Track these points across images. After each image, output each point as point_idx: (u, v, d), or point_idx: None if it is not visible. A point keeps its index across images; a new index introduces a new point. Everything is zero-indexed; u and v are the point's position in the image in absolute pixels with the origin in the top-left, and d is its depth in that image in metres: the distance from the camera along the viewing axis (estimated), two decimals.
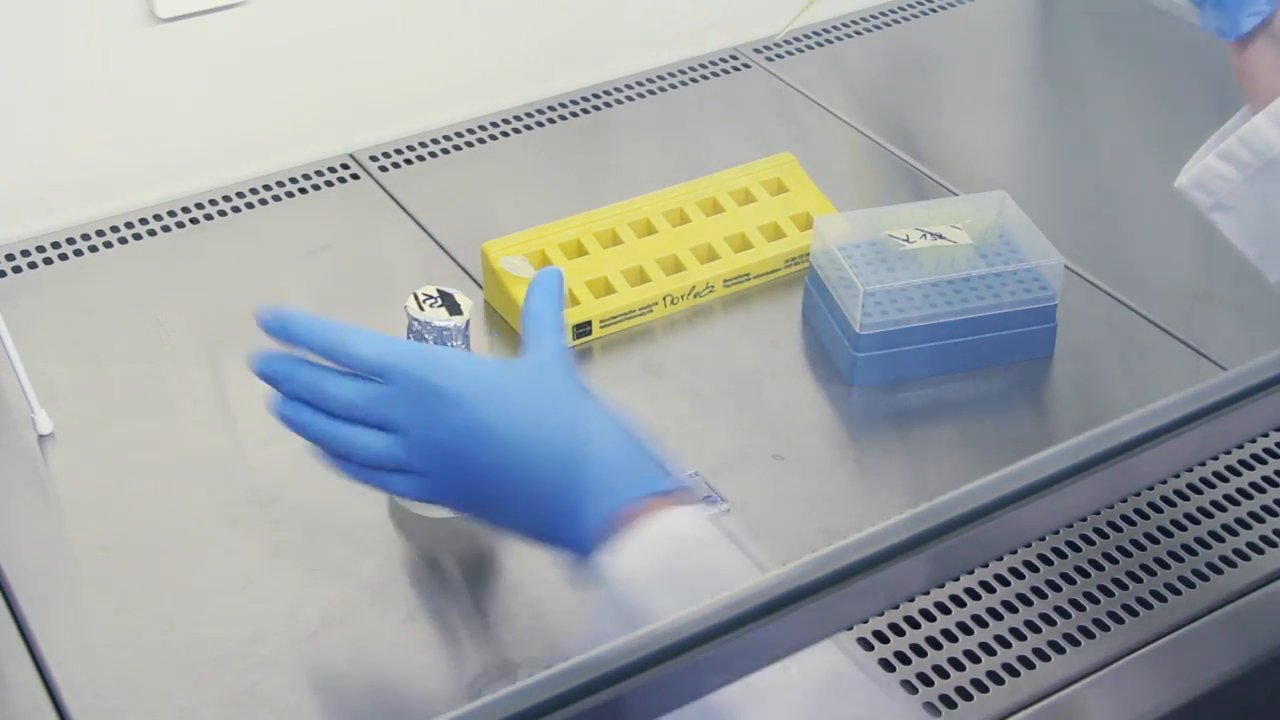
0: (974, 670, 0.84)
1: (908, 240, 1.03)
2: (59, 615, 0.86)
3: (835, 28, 1.42)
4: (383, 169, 1.22)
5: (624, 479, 0.72)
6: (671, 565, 0.69)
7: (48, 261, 1.12)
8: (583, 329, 1.04)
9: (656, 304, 1.06)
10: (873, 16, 1.44)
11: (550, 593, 0.87)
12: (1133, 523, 0.92)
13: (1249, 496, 0.95)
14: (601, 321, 1.04)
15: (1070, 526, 0.92)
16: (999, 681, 0.83)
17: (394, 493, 0.81)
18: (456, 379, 0.74)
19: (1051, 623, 0.86)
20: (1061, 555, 0.90)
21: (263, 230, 1.16)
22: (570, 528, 0.71)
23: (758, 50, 1.39)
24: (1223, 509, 0.94)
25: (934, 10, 1.46)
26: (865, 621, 0.86)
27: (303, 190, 1.20)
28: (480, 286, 1.09)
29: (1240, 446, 0.98)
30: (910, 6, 1.46)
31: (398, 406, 0.75)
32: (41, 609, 0.86)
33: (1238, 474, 0.96)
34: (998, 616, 0.87)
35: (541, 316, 0.79)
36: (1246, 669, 0.86)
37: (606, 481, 0.71)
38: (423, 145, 1.25)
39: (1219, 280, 1.15)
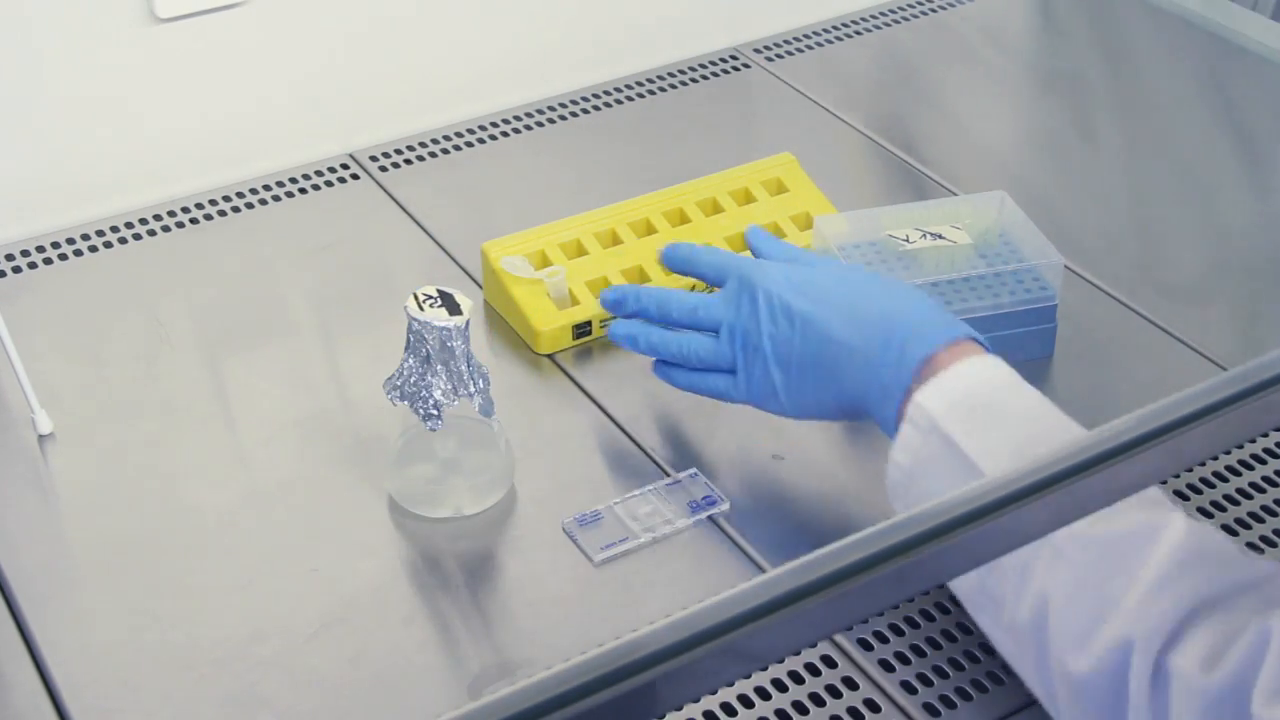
0: (974, 670, 0.84)
1: (908, 240, 1.03)
2: (59, 615, 0.86)
3: (835, 28, 1.43)
4: (383, 169, 1.22)
5: (931, 327, 0.84)
6: (977, 400, 0.81)
7: (48, 261, 1.12)
8: (583, 329, 1.04)
9: None
10: (873, 17, 1.44)
11: (550, 593, 0.87)
12: None
13: (1249, 496, 0.95)
14: (602, 321, 1.04)
15: None
16: (999, 682, 0.83)
17: (717, 394, 0.92)
18: (768, 278, 0.89)
19: None
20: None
21: (263, 230, 1.16)
22: (891, 375, 0.83)
23: (758, 50, 1.39)
24: (1223, 509, 0.94)
25: (934, 10, 1.46)
26: (865, 622, 0.86)
27: (303, 190, 1.20)
28: (480, 286, 1.09)
29: (1240, 446, 0.98)
30: (910, 7, 1.46)
31: (725, 308, 0.90)
32: (41, 609, 0.86)
33: (1237, 474, 0.96)
34: None
35: (779, 250, 0.97)
36: None
37: (915, 328, 0.84)
38: (423, 145, 1.25)
39: (1219, 280, 1.15)
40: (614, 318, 1.05)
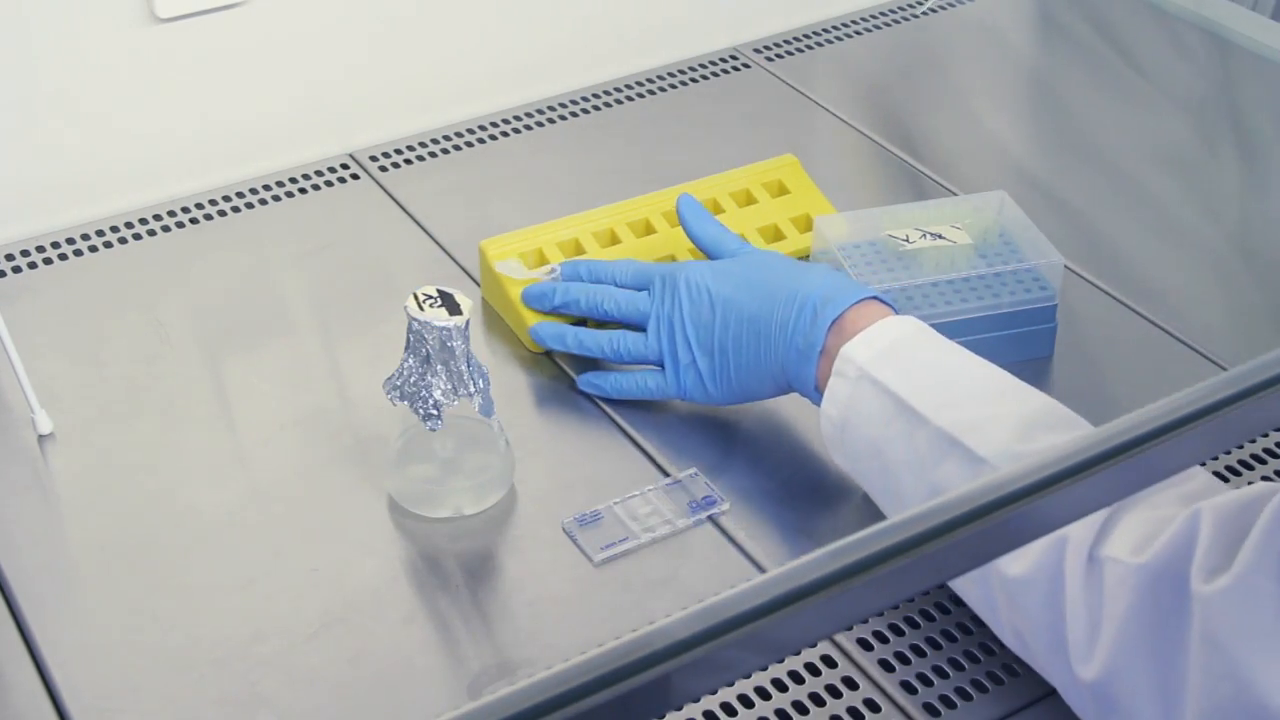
0: (974, 670, 0.84)
1: (908, 240, 1.03)
2: (59, 615, 0.86)
3: (835, 27, 1.43)
4: (382, 169, 1.22)
5: (841, 292, 0.89)
6: (901, 348, 0.87)
7: (48, 261, 1.12)
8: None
9: None
10: (873, 16, 1.44)
11: (550, 593, 0.87)
12: None
13: None
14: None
15: None
16: (999, 682, 0.83)
17: (648, 393, 0.97)
18: (689, 269, 0.96)
19: None
20: None
21: (263, 230, 1.16)
22: (806, 337, 0.89)
23: (758, 50, 1.39)
24: None
25: (934, 10, 1.46)
26: (865, 622, 0.86)
27: (303, 190, 1.20)
28: (479, 285, 1.09)
29: (1240, 446, 0.98)
30: (910, 6, 1.46)
31: (652, 301, 0.97)
32: (41, 609, 0.86)
33: (1238, 474, 0.96)
34: None
35: (709, 231, 1.01)
36: None
37: (827, 294, 0.89)
38: (422, 145, 1.25)
39: (1219, 280, 1.15)
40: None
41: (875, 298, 0.90)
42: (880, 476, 0.87)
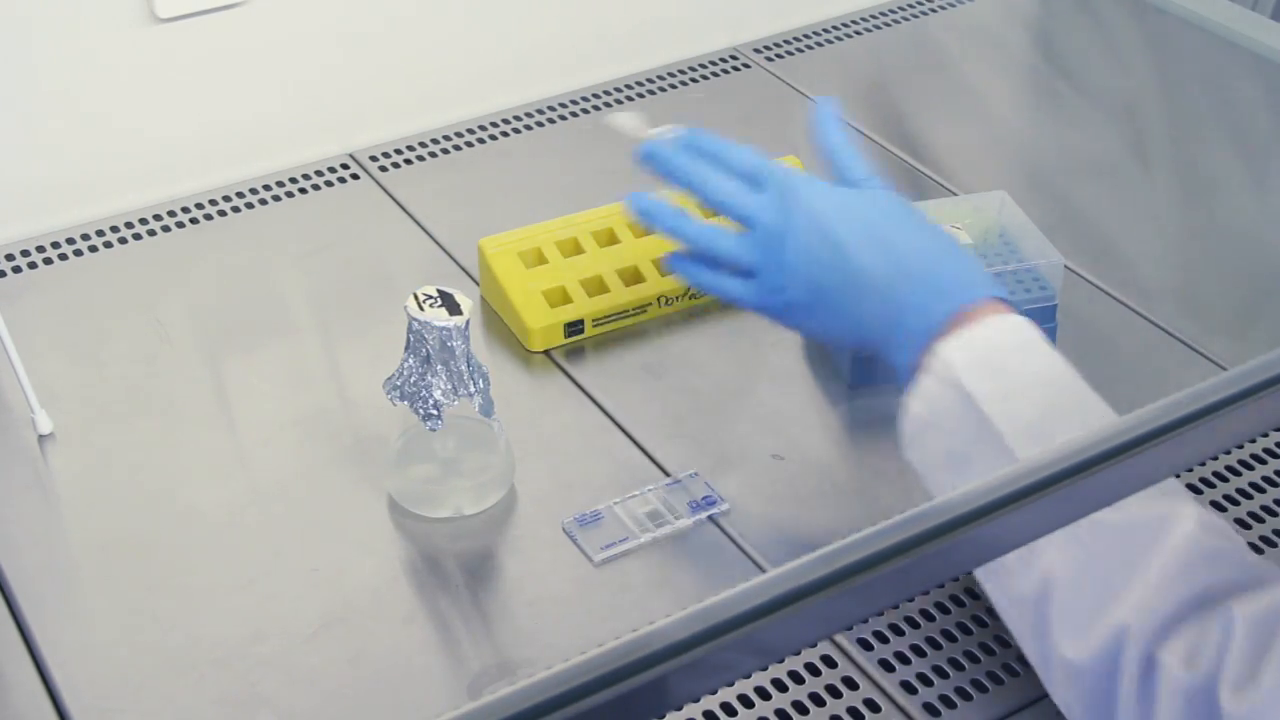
0: (974, 670, 0.84)
1: None
2: (59, 615, 0.86)
3: (835, 27, 1.43)
4: (382, 169, 1.22)
5: (963, 279, 0.83)
6: (1002, 360, 0.80)
7: (48, 261, 1.12)
8: (575, 327, 1.04)
9: (651, 304, 1.06)
10: (873, 16, 1.44)
11: (550, 593, 0.87)
12: None
13: (1249, 496, 0.95)
14: (594, 320, 1.04)
15: None
16: (999, 682, 0.83)
17: (728, 296, 0.91)
18: (812, 191, 0.88)
19: None
20: None
21: (263, 230, 1.16)
22: (913, 322, 0.82)
23: (758, 50, 1.39)
24: (1222, 509, 0.94)
25: (934, 10, 1.46)
26: (865, 622, 0.86)
27: (303, 190, 1.20)
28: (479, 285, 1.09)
29: (1240, 446, 0.98)
30: (910, 6, 1.46)
31: (762, 208, 0.89)
32: (41, 609, 0.86)
33: (1238, 474, 0.96)
34: (997, 617, 0.87)
35: (837, 143, 0.93)
36: None
37: (957, 278, 0.83)
38: (422, 145, 1.25)
39: (1219, 280, 1.15)
40: (608, 318, 1.05)
41: (999, 296, 0.83)
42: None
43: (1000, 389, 0.78)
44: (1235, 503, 0.94)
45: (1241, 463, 0.97)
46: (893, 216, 0.87)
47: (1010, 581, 0.77)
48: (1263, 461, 0.97)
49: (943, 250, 0.86)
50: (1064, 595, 0.74)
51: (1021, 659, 0.84)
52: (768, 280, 0.89)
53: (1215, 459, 0.97)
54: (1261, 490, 0.95)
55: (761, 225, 0.89)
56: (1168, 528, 0.73)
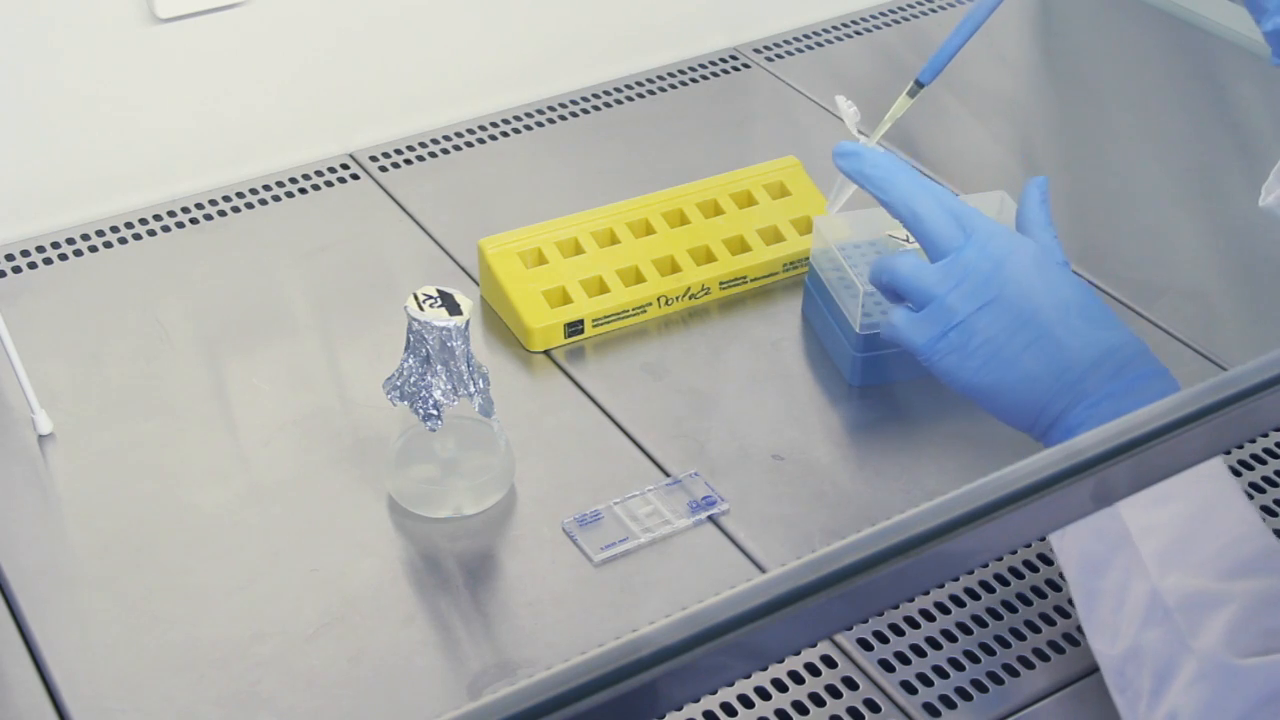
0: (974, 670, 0.84)
1: (908, 240, 1.03)
2: (59, 615, 0.86)
3: (835, 28, 1.43)
4: (382, 169, 1.22)
5: (1122, 403, 0.79)
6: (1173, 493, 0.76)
7: (48, 262, 1.12)
8: (575, 327, 1.04)
9: (651, 305, 1.06)
10: (873, 17, 1.44)
11: (550, 593, 0.87)
12: None
13: (1249, 496, 0.95)
14: (594, 320, 1.04)
15: None
16: (999, 682, 0.83)
17: (892, 334, 0.87)
18: (1016, 245, 0.84)
19: (1052, 622, 0.86)
20: None
21: (262, 230, 1.16)
22: (1060, 423, 0.80)
23: (758, 50, 1.39)
24: None
25: (934, 10, 1.46)
26: (865, 622, 0.86)
27: (302, 190, 1.20)
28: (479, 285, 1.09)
29: (1240, 446, 0.98)
30: (910, 7, 1.46)
31: (968, 245, 0.85)
32: (41, 609, 0.86)
33: (1238, 474, 0.96)
34: (998, 616, 0.87)
35: (1046, 229, 0.88)
36: None
37: (1110, 387, 0.79)
38: (422, 145, 1.25)
39: (1219, 280, 1.15)
40: (607, 318, 1.05)
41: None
42: (1080, 590, 0.79)
43: (1146, 499, 0.75)
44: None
45: (1241, 463, 0.97)
46: (1081, 308, 0.83)
47: (1139, 705, 0.75)
48: (1263, 461, 0.97)
49: (1114, 353, 0.81)
50: None
51: (1023, 659, 0.84)
52: (948, 314, 0.84)
53: (1228, 453, 0.97)
54: (1261, 490, 0.95)
55: (962, 263, 0.84)
56: None
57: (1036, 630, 0.86)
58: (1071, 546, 0.80)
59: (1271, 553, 0.75)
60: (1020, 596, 0.88)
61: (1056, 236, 0.88)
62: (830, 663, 0.84)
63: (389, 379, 0.89)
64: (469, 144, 1.25)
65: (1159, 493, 0.73)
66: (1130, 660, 0.75)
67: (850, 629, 0.86)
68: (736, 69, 1.36)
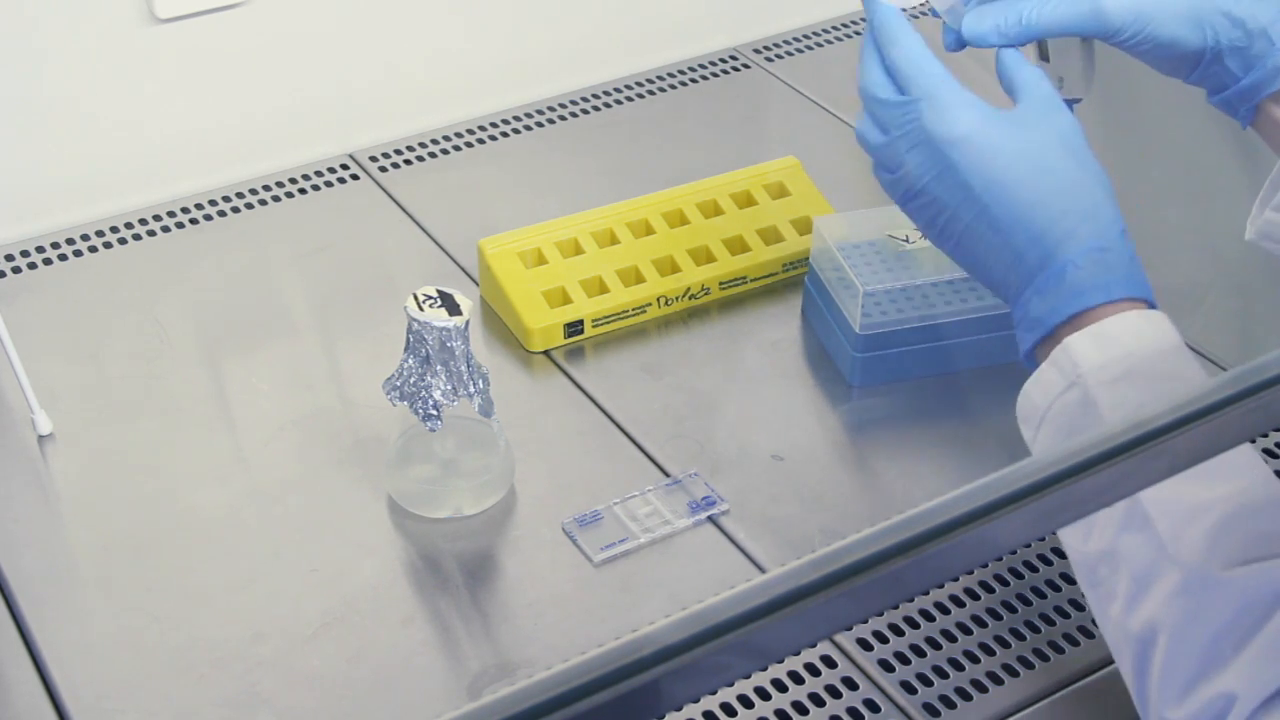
0: (974, 671, 0.84)
1: (907, 240, 1.03)
2: (59, 615, 0.86)
3: (835, 28, 1.43)
4: (382, 169, 1.22)
5: (1106, 281, 0.76)
6: (1133, 364, 0.74)
7: (47, 262, 1.12)
8: (575, 327, 1.04)
9: (650, 305, 1.06)
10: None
11: (550, 593, 0.87)
12: None
13: None
14: (594, 321, 1.04)
15: None
16: (999, 682, 0.83)
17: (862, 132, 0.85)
18: (958, 121, 0.81)
19: (1052, 622, 0.87)
20: (1061, 556, 0.90)
21: (262, 230, 1.16)
22: (1038, 308, 0.76)
23: (757, 50, 1.39)
24: None
25: (933, 11, 1.46)
26: (865, 622, 0.86)
27: (302, 191, 1.20)
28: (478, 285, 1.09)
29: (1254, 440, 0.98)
30: (910, 8, 1.46)
31: (907, 114, 0.82)
32: (41, 609, 0.86)
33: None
34: (997, 617, 0.87)
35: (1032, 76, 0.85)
36: None
37: (1089, 277, 0.76)
38: (422, 145, 1.25)
39: (1218, 281, 1.15)
40: (607, 318, 1.05)
41: (1141, 297, 0.77)
42: None
43: (1126, 396, 0.73)
44: None
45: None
46: (1049, 172, 0.79)
47: (1113, 605, 0.74)
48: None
49: (1091, 228, 0.78)
50: (1171, 648, 0.70)
51: (1022, 659, 0.84)
52: (904, 182, 0.82)
53: None
54: None
55: (899, 137, 0.83)
56: None
57: (1036, 630, 0.86)
58: (1048, 450, 0.76)
59: (1249, 456, 0.74)
60: (1020, 597, 0.88)
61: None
62: (830, 663, 0.84)
63: (389, 379, 0.89)
64: (469, 144, 1.25)
65: (1143, 402, 0.72)
66: (1105, 561, 0.74)
67: (850, 629, 0.86)
68: (736, 69, 1.37)
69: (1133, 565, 0.72)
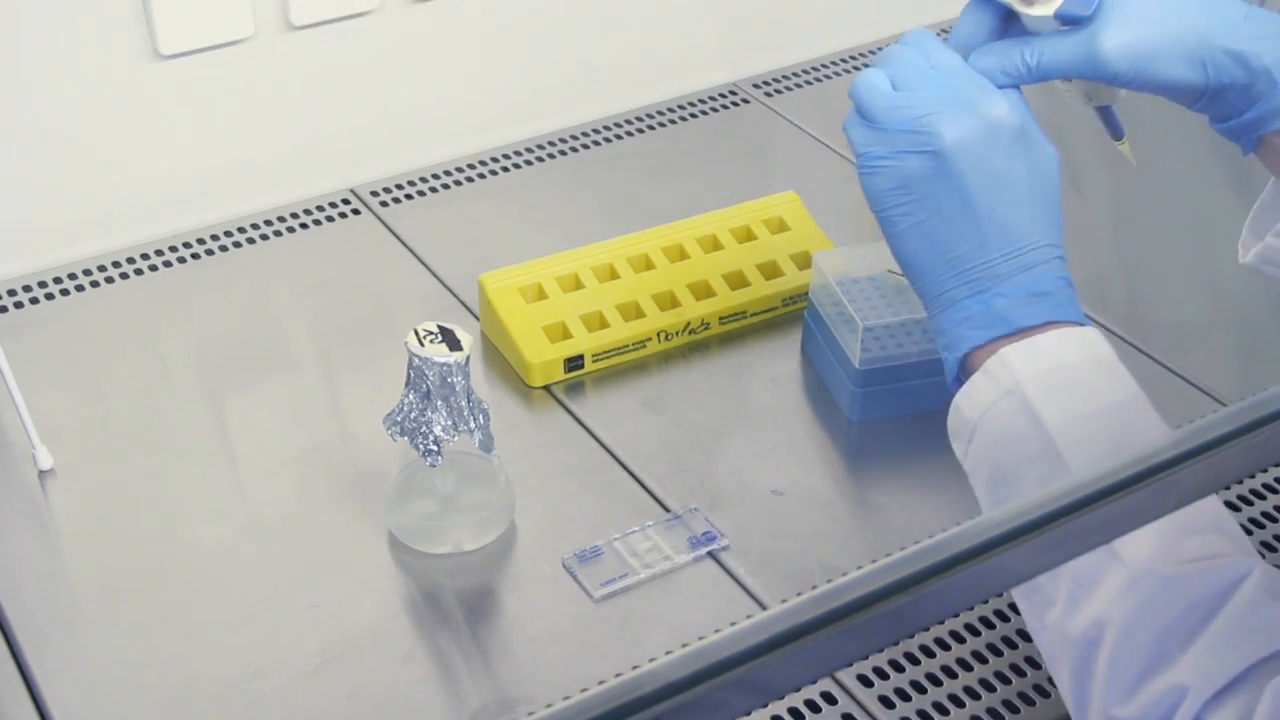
0: (973, 707, 0.84)
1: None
2: (58, 651, 0.86)
3: (834, 63, 1.43)
4: (383, 204, 1.23)
5: (1031, 306, 0.77)
6: (1069, 375, 0.75)
7: (49, 297, 1.12)
8: (575, 362, 1.04)
9: (651, 340, 1.06)
10: (870, 52, 1.45)
11: (550, 629, 0.87)
12: None
13: (1248, 533, 0.95)
14: (594, 356, 1.04)
15: None
16: (998, 718, 0.83)
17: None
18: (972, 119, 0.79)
19: None
20: None
21: (264, 265, 1.16)
22: (971, 322, 0.78)
23: (756, 85, 1.39)
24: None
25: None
26: (866, 658, 0.86)
27: (304, 225, 1.20)
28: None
29: (1240, 482, 0.98)
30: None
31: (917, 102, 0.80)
32: (41, 645, 0.86)
33: (1236, 510, 0.96)
34: (998, 653, 0.87)
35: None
36: None
37: (1014, 303, 0.77)
38: (423, 180, 1.25)
39: (1217, 314, 1.15)
40: (607, 353, 1.05)
41: (1074, 320, 0.78)
42: (988, 503, 0.78)
43: (1067, 407, 0.74)
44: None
45: (1240, 498, 0.97)
46: (993, 185, 0.80)
47: (1050, 612, 0.74)
48: (1261, 497, 0.97)
49: (1026, 243, 0.79)
50: (1119, 644, 0.71)
51: (1023, 695, 0.84)
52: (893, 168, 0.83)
53: (1227, 488, 0.97)
54: (1261, 526, 0.95)
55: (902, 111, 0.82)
56: (1233, 585, 0.70)
57: (1037, 666, 0.86)
58: (982, 459, 0.78)
59: None
60: (1021, 633, 0.88)
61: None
62: (830, 699, 0.84)
63: (389, 414, 0.89)
64: (469, 179, 1.26)
65: (1084, 410, 0.75)
66: None
67: (850, 665, 0.85)
68: (736, 104, 1.37)
69: (1075, 568, 0.73)
